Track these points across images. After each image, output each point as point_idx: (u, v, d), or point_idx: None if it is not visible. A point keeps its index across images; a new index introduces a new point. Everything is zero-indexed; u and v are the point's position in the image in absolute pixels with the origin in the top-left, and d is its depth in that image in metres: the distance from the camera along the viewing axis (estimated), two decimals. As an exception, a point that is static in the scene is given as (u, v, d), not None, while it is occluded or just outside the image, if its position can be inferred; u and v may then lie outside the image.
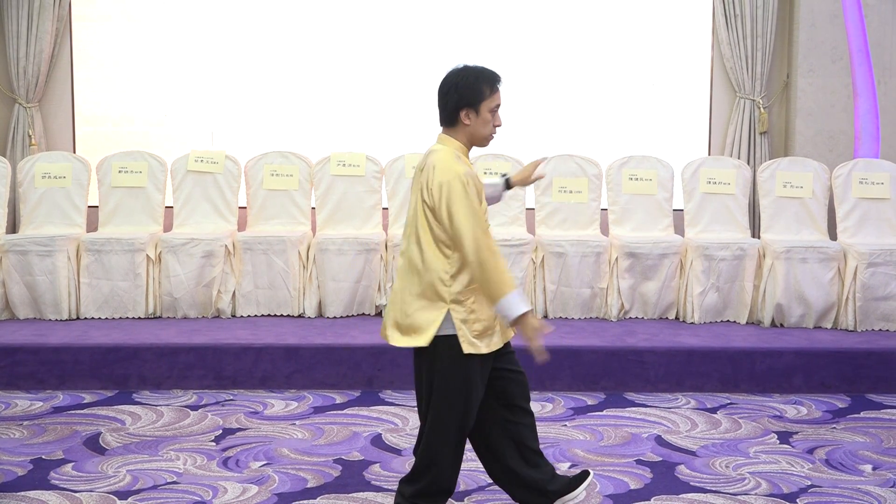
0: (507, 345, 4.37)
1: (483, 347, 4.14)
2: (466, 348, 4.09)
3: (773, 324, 7.17)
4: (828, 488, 4.91)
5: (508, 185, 4.69)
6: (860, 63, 7.71)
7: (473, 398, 4.19)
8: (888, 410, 6.19)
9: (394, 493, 4.80)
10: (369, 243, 7.28)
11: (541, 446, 5.44)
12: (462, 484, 4.93)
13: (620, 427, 5.84)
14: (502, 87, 4.23)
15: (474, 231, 4.01)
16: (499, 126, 4.24)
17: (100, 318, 7.21)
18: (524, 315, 4.03)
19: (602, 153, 7.84)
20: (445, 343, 4.09)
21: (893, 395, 6.50)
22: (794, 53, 7.90)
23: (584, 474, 4.40)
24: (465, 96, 4.15)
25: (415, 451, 4.33)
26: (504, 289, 4.01)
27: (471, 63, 4.26)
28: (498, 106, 4.22)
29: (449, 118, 4.20)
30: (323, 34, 8.16)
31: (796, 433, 5.75)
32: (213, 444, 5.46)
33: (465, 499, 4.76)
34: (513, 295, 4.02)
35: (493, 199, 4.66)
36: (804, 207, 7.50)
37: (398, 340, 4.16)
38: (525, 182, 4.71)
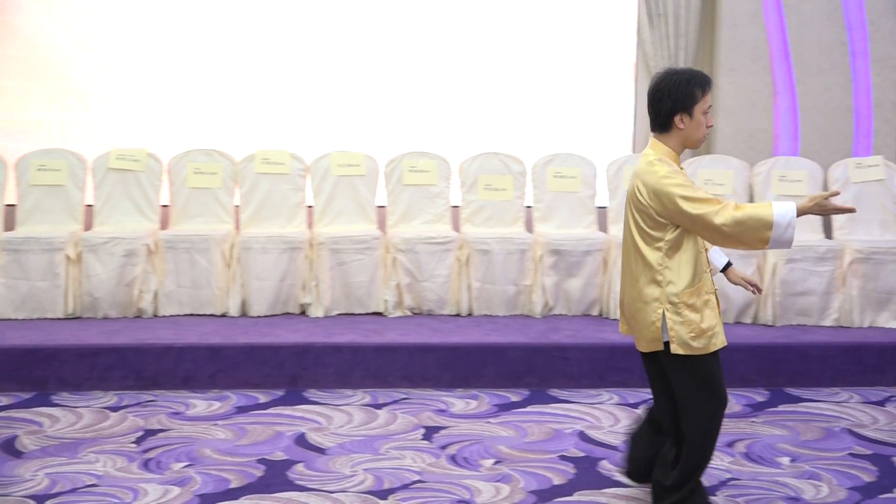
0: None
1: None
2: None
3: (695, 320, 7.24)
4: (747, 481, 4.98)
5: (725, 268, 4.71)
6: (780, 62, 7.83)
7: None
8: (805, 404, 6.29)
9: (316, 493, 4.78)
10: (294, 242, 7.24)
11: (464, 444, 5.47)
12: (386, 482, 4.92)
13: (544, 423, 5.87)
14: (711, 90, 4.29)
15: (702, 209, 4.08)
16: (711, 126, 4.30)
17: (17, 319, 7.07)
18: (801, 209, 4.09)
19: (527, 151, 7.87)
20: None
21: (810, 389, 6.61)
22: (716, 53, 8.00)
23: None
24: (680, 101, 4.21)
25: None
26: (766, 216, 4.05)
27: (680, 67, 4.33)
28: (710, 107, 4.27)
29: (663, 123, 4.26)
30: (257, 26, 8.10)
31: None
32: (134, 445, 5.39)
33: (389, 497, 4.75)
34: (776, 210, 4.04)
35: None
36: (725, 204, 7.59)
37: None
38: (735, 282, 4.72)
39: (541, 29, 8.17)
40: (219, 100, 8.04)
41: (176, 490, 4.78)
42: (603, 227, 7.75)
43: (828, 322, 7.19)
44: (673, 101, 4.20)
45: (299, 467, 5.12)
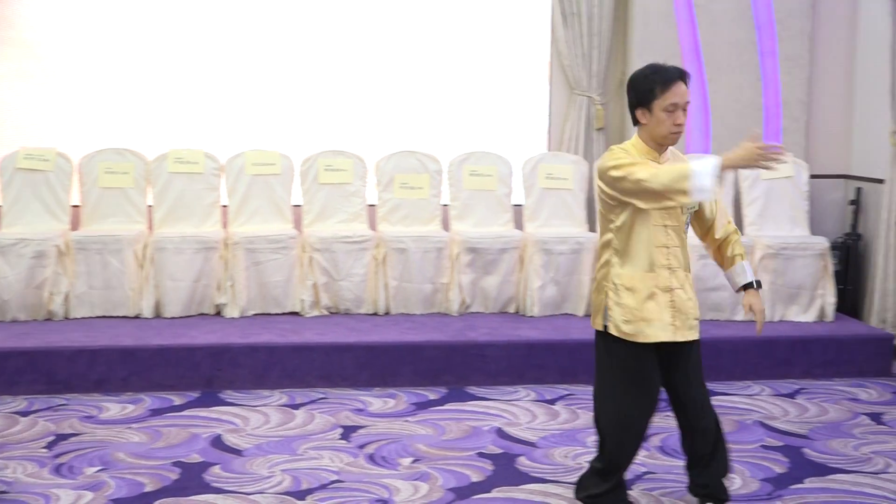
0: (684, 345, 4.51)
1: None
2: None
3: (610, 316, 7.31)
4: (662, 474, 5.04)
5: (747, 286, 4.55)
6: (691, 61, 7.93)
7: None
8: (718, 397, 6.39)
9: (233, 495, 4.74)
10: (208, 241, 7.16)
11: (382, 443, 5.46)
12: (304, 482, 4.90)
13: (462, 421, 5.89)
14: (681, 86, 4.19)
15: (625, 170, 4.10)
16: (679, 124, 4.20)
17: (-76, 323, 6.91)
18: (723, 164, 4.00)
19: (443, 149, 7.88)
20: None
21: (723, 383, 6.72)
22: (629, 52, 8.08)
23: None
24: (640, 95, 4.22)
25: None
26: (684, 175, 3.99)
27: (656, 63, 4.29)
28: (675, 105, 4.17)
29: (632, 118, 4.30)
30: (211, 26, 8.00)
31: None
32: (45, 450, 5.29)
33: (308, 497, 4.73)
34: (693, 171, 3.98)
35: (728, 279, 4.65)
36: (639, 202, 7.67)
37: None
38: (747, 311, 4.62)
39: (456, 28, 8.18)
40: (131, 98, 7.91)
41: (89, 495, 4.71)
42: (519, 224, 7.79)
43: (739, 316, 7.31)
44: (635, 94, 4.25)
45: (216, 469, 5.07)
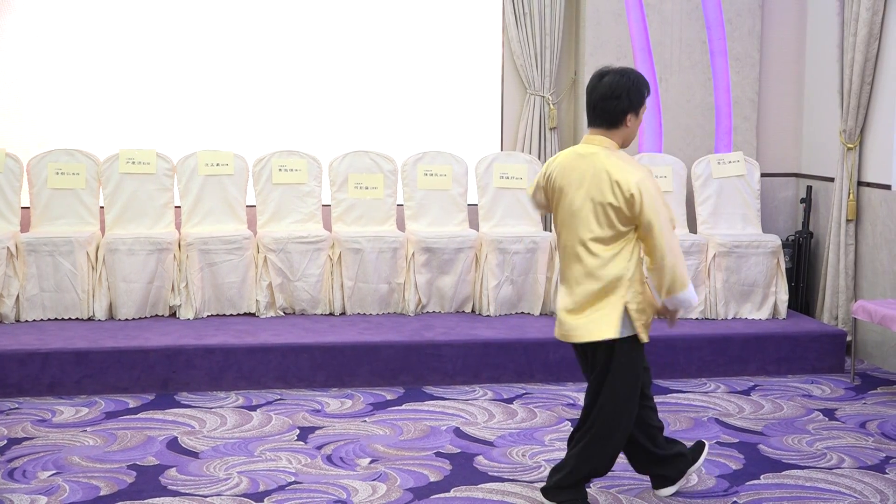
0: None
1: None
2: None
3: (565, 314, 7.33)
4: (620, 472, 5.06)
5: None
6: (643, 60, 7.99)
7: None
8: (674, 395, 6.44)
9: (190, 497, 4.71)
10: (162, 243, 7.10)
11: (340, 443, 5.45)
12: (261, 484, 4.87)
13: (419, 421, 5.89)
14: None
15: (670, 231, 4.31)
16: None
17: None
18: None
19: (397, 149, 7.87)
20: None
21: (678, 380, 6.77)
22: (581, 51, 8.11)
23: (701, 444, 4.88)
24: (635, 101, 4.38)
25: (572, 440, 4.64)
26: (686, 282, 4.34)
27: (624, 67, 4.50)
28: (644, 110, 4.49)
29: (614, 120, 4.39)
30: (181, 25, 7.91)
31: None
32: (-2, 455, 5.23)
33: (265, 499, 4.70)
34: (690, 288, 4.37)
35: None
36: (593, 201, 7.71)
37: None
38: None
39: (409, 27, 8.17)
40: (81, 98, 7.83)
41: (43, 500, 4.65)
42: (474, 224, 7.80)
43: (694, 314, 7.37)
44: (630, 101, 4.37)
45: (172, 472, 5.03)
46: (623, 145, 4.45)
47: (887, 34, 7.18)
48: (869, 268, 7.37)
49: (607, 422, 4.47)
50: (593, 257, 4.36)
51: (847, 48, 7.35)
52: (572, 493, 4.55)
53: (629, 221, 4.33)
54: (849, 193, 7.43)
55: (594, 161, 4.36)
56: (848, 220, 7.45)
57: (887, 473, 5.12)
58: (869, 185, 7.38)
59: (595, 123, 4.43)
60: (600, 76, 4.43)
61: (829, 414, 6.12)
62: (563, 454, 5.31)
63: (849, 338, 7.14)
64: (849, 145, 7.41)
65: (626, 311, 4.37)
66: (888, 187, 7.16)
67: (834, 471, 5.15)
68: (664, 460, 4.74)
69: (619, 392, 4.44)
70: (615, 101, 4.36)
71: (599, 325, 4.37)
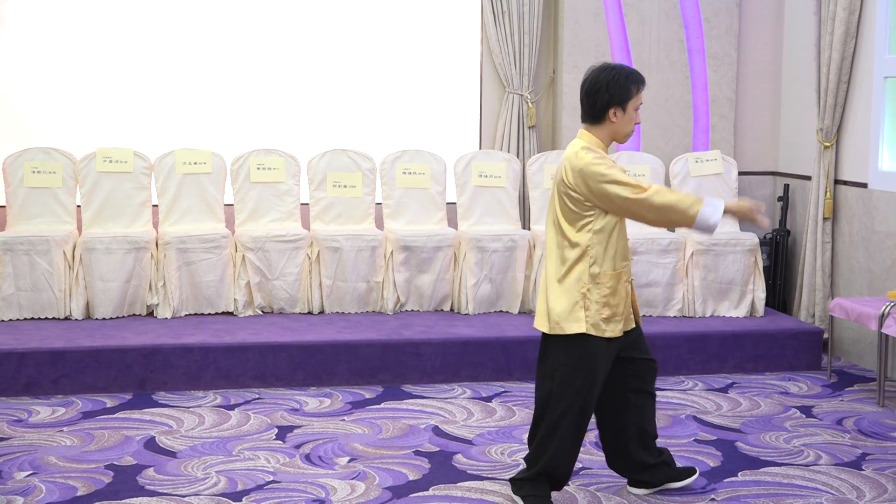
0: (635, 330, 4.61)
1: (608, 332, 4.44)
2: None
3: (543, 313, 7.35)
4: (598, 469, 5.07)
5: None
6: (621, 59, 8.00)
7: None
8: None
9: (168, 497, 4.69)
10: (139, 241, 7.07)
11: (319, 442, 5.44)
12: (240, 484, 4.86)
13: (398, 419, 5.88)
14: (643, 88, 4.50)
15: (626, 192, 4.30)
16: (638, 123, 4.49)
17: None
18: (728, 210, 4.40)
19: (375, 147, 7.86)
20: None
21: (657, 378, 6.76)
22: (560, 50, 8.12)
23: (692, 471, 4.86)
24: (616, 95, 4.38)
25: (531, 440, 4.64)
26: (693, 209, 4.33)
27: (614, 63, 4.54)
28: (640, 104, 4.47)
29: (596, 115, 4.43)
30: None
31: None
32: (-26, 455, 5.19)
33: (244, 498, 4.69)
34: (704, 208, 4.33)
35: None
36: (571, 199, 7.72)
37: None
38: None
39: (387, 26, 8.16)
40: (56, 96, 7.78)
41: (20, 500, 4.62)
42: (453, 222, 7.80)
43: (672, 312, 7.39)
44: (610, 94, 4.39)
45: (149, 472, 5.01)
46: (615, 140, 4.49)
47: (864, 33, 7.22)
48: (846, 266, 7.41)
49: (551, 418, 4.50)
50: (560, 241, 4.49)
51: (824, 47, 7.38)
52: (530, 487, 4.56)
53: (585, 208, 4.38)
54: (826, 192, 7.46)
55: (567, 154, 4.46)
56: (825, 219, 7.48)
57: (864, 470, 5.15)
58: (846, 183, 7.42)
59: (582, 119, 4.52)
60: (588, 72, 4.50)
61: (807, 411, 6.15)
62: (541, 452, 5.32)
63: (826, 335, 7.17)
64: (825, 144, 7.44)
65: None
66: (864, 185, 7.20)
67: (811, 467, 5.18)
68: (651, 468, 4.76)
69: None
70: (595, 96, 4.42)
71: None
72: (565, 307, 4.41)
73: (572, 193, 4.39)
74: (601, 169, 4.32)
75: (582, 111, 4.51)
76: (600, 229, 4.39)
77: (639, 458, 4.73)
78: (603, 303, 4.39)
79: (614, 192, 4.31)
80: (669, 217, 4.38)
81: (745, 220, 4.51)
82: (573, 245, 4.41)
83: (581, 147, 4.42)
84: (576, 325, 4.40)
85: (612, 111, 4.41)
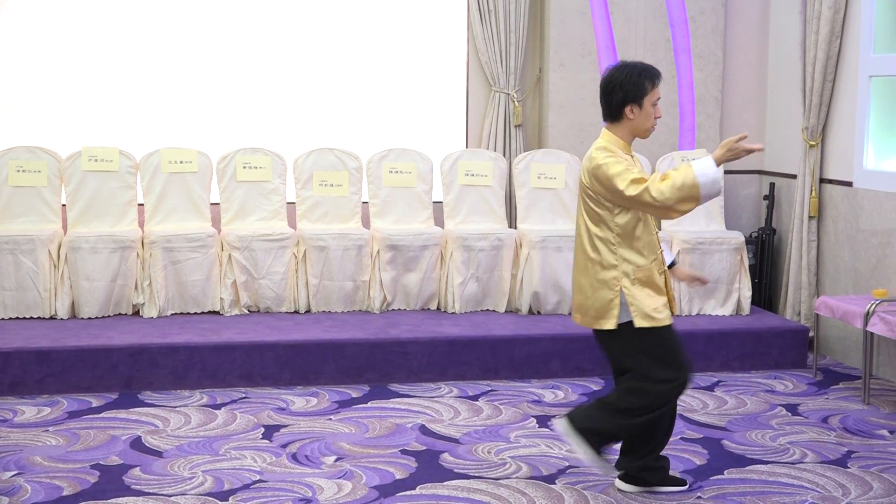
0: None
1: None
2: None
3: (530, 311, 7.36)
4: (585, 469, 5.07)
5: (672, 264, 4.89)
6: (607, 58, 8.01)
7: None
8: (639, 391, 6.46)
9: (154, 497, 4.68)
10: (125, 241, 7.05)
11: (305, 441, 5.43)
12: (226, 483, 4.85)
13: (385, 418, 5.88)
14: (661, 83, 4.56)
15: (636, 188, 4.35)
16: (659, 118, 4.55)
17: None
18: (717, 159, 4.38)
19: (362, 146, 7.85)
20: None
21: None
22: (546, 49, 8.13)
23: (682, 482, 4.86)
24: (631, 92, 4.45)
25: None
26: (690, 180, 4.34)
27: (630, 61, 4.57)
28: (658, 99, 4.52)
29: (613, 114, 4.51)
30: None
31: (554, 416, 5.92)
32: (-41, 455, 5.17)
33: (230, 498, 4.68)
34: (697, 171, 4.34)
35: None
36: (557, 198, 7.74)
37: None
38: (681, 278, 4.94)
39: (374, 24, 8.15)
40: (41, 95, 7.76)
41: (5, 500, 4.60)
42: (439, 221, 7.80)
43: (657, 311, 7.39)
44: (624, 92, 4.47)
45: (135, 471, 5.00)
46: (633, 137, 4.56)
47: (849, 32, 7.24)
48: (831, 264, 7.43)
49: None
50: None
51: (809, 46, 7.40)
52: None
53: (608, 207, 4.49)
54: (811, 190, 7.48)
55: (587, 154, 4.58)
56: (810, 217, 7.51)
57: (849, 468, 5.17)
58: (831, 181, 7.44)
59: (603, 118, 4.60)
60: (604, 71, 4.61)
61: (792, 409, 6.17)
62: (527, 451, 5.34)
63: (811, 333, 7.19)
64: (811, 142, 7.47)
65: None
66: (850, 184, 7.22)
67: (797, 465, 5.19)
68: (650, 468, 4.80)
69: None
70: (610, 95, 4.51)
71: None
72: (603, 303, 4.54)
73: (590, 193, 4.53)
74: (610, 168, 4.41)
75: (602, 110, 4.59)
76: (623, 224, 4.50)
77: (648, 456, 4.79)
78: (647, 293, 4.51)
79: (620, 189, 4.39)
80: (676, 197, 4.35)
81: (738, 156, 4.41)
82: (601, 241, 4.52)
83: (597, 147, 4.53)
84: (609, 322, 4.56)
85: (628, 108, 4.48)
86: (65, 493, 4.72)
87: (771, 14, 8.23)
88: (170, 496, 4.70)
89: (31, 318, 6.97)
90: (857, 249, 7.12)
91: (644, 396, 4.55)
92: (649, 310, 4.50)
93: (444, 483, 4.90)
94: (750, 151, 4.40)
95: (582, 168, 4.59)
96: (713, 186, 4.36)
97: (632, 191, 4.37)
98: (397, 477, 4.98)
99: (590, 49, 8.03)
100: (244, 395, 6.28)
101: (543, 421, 5.84)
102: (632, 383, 4.58)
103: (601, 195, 4.49)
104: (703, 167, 4.35)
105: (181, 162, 7.46)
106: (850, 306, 6.34)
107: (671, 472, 4.87)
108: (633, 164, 4.54)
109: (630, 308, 4.50)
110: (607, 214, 4.50)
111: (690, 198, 4.37)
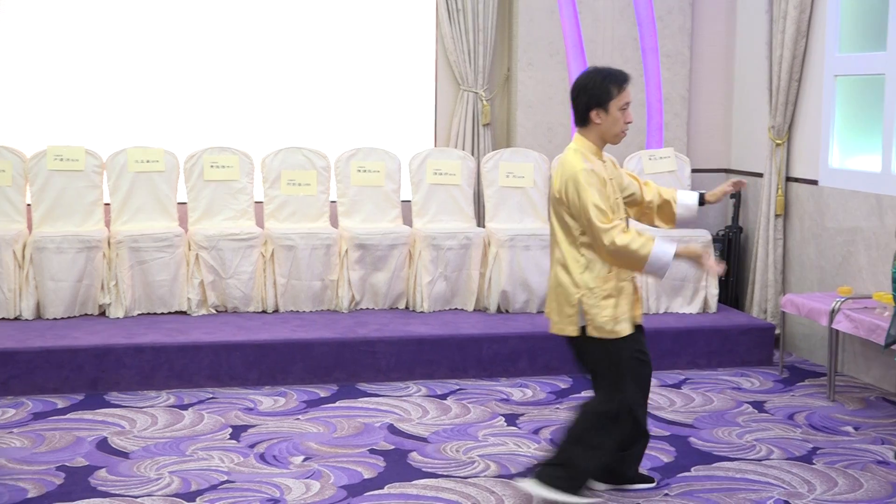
0: (639, 328, 4.65)
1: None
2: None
3: (498, 310, 7.37)
4: (553, 467, 5.08)
5: (702, 201, 4.87)
6: (575, 57, 8.03)
7: None
8: (607, 389, 6.48)
9: (120, 498, 4.65)
10: (91, 241, 7.00)
11: (273, 442, 5.42)
12: (193, 484, 4.82)
13: (353, 418, 5.87)
14: (630, 86, 4.48)
15: (600, 221, 4.33)
16: (629, 122, 4.50)
17: None
18: (678, 254, 4.40)
19: (330, 145, 7.83)
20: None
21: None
22: (514, 48, 8.14)
23: (651, 480, 4.87)
24: (595, 97, 4.41)
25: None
26: (644, 252, 4.33)
27: (601, 66, 4.54)
28: (627, 104, 4.46)
29: (581, 119, 4.49)
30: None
31: (522, 415, 5.94)
32: (-78, 457, 5.12)
33: (198, 498, 4.66)
34: (654, 250, 4.33)
35: (688, 222, 4.92)
36: (526, 196, 7.75)
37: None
38: (719, 198, 4.90)
39: (342, 23, 8.13)
40: (4, 93, 7.69)
41: (-31, 503, 4.57)
42: (408, 220, 7.79)
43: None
44: (589, 96, 4.44)
45: (102, 473, 4.97)
46: (602, 140, 4.52)
47: (814, 32, 7.29)
48: (797, 262, 7.48)
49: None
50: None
51: (776, 45, 7.45)
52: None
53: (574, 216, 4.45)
54: (777, 189, 7.53)
55: (560, 159, 4.57)
56: (777, 215, 7.55)
57: (814, 464, 5.20)
58: (797, 180, 7.49)
59: (574, 122, 4.57)
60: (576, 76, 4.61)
61: (759, 406, 6.20)
62: (496, 449, 5.34)
63: (777, 331, 7.23)
64: (777, 141, 7.51)
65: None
66: (815, 182, 7.27)
67: (763, 462, 5.22)
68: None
69: None
70: (576, 100, 4.50)
71: None
72: (565, 308, 4.51)
73: (557, 196, 4.47)
74: (590, 197, 4.36)
75: (573, 115, 4.58)
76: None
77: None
78: (603, 305, 4.45)
79: (590, 217, 4.35)
80: (624, 256, 4.37)
81: (694, 264, 4.56)
82: (569, 244, 4.49)
83: (572, 151, 4.49)
84: (570, 328, 4.52)
85: (593, 113, 4.45)
86: (30, 494, 4.69)
87: (738, 13, 8.28)
88: (136, 497, 4.67)
89: (-4, 318, 6.92)
90: (823, 247, 7.17)
91: (592, 420, 4.53)
92: (603, 320, 4.44)
93: (413, 482, 4.90)
94: (703, 267, 4.49)
95: (555, 173, 4.51)
96: (659, 270, 4.39)
97: (598, 224, 4.33)
98: (366, 476, 4.97)
99: (558, 48, 8.05)
100: (212, 396, 6.25)
101: (512, 419, 5.85)
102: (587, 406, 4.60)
103: (570, 204, 4.42)
104: (662, 251, 4.36)
105: (148, 161, 7.42)
106: (816, 304, 6.39)
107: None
108: (605, 169, 4.52)
109: (586, 316, 4.46)
110: (572, 221, 4.47)
111: (634, 265, 4.41)
